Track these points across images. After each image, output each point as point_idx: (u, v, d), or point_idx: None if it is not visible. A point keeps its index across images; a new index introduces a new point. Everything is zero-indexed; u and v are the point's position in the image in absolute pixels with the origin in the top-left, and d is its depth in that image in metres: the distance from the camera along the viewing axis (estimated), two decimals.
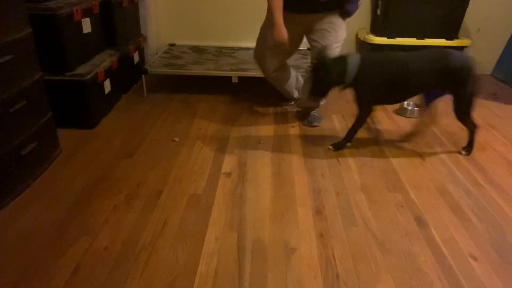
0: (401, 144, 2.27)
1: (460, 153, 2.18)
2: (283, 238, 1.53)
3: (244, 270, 1.37)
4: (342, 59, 2.00)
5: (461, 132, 2.45)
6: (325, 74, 2.01)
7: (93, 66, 2.36)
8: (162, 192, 1.78)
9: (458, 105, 2.06)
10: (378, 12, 3.14)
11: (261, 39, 2.39)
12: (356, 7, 2.23)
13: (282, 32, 2.12)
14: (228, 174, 1.94)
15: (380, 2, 3.10)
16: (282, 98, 2.74)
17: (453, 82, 2.00)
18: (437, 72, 1.98)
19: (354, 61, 1.98)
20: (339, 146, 2.19)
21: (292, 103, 2.75)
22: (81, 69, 2.27)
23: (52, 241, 1.48)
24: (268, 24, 2.23)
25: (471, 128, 2.15)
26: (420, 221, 1.64)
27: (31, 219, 1.60)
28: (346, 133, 2.19)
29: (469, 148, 2.19)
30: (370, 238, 1.54)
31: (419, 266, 1.41)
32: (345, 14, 2.23)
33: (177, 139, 2.26)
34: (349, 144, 2.23)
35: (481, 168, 2.05)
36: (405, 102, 2.69)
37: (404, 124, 2.54)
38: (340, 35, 2.25)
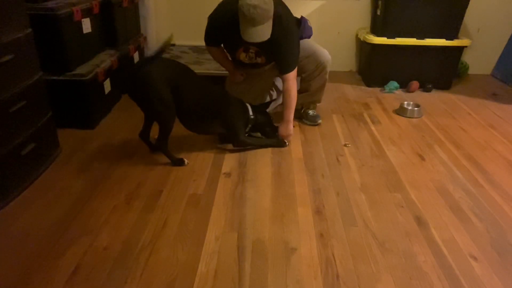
0: (401, 144, 2.27)
1: None
2: (283, 238, 1.53)
3: (244, 270, 1.37)
4: None
5: (461, 132, 2.46)
6: None
7: (93, 66, 2.36)
8: (162, 192, 1.78)
9: None
10: (378, 12, 3.14)
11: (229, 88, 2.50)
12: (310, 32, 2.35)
13: (236, 76, 2.36)
14: (228, 174, 1.94)
15: (380, 2, 3.10)
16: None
17: None
18: None
19: None
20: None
21: None
22: (81, 69, 2.27)
23: (52, 241, 1.48)
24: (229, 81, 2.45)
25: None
26: (420, 221, 1.64)
27: (31, 219, 1.60)
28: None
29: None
30: (370, 238, 1.53)
31: (419, 266, 1.41)
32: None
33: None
34: (349, 144, 2.24)
35: (481, 168, 2.05)
36: (405, 102, 2.69)
37: (404, 124, 2.54)
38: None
